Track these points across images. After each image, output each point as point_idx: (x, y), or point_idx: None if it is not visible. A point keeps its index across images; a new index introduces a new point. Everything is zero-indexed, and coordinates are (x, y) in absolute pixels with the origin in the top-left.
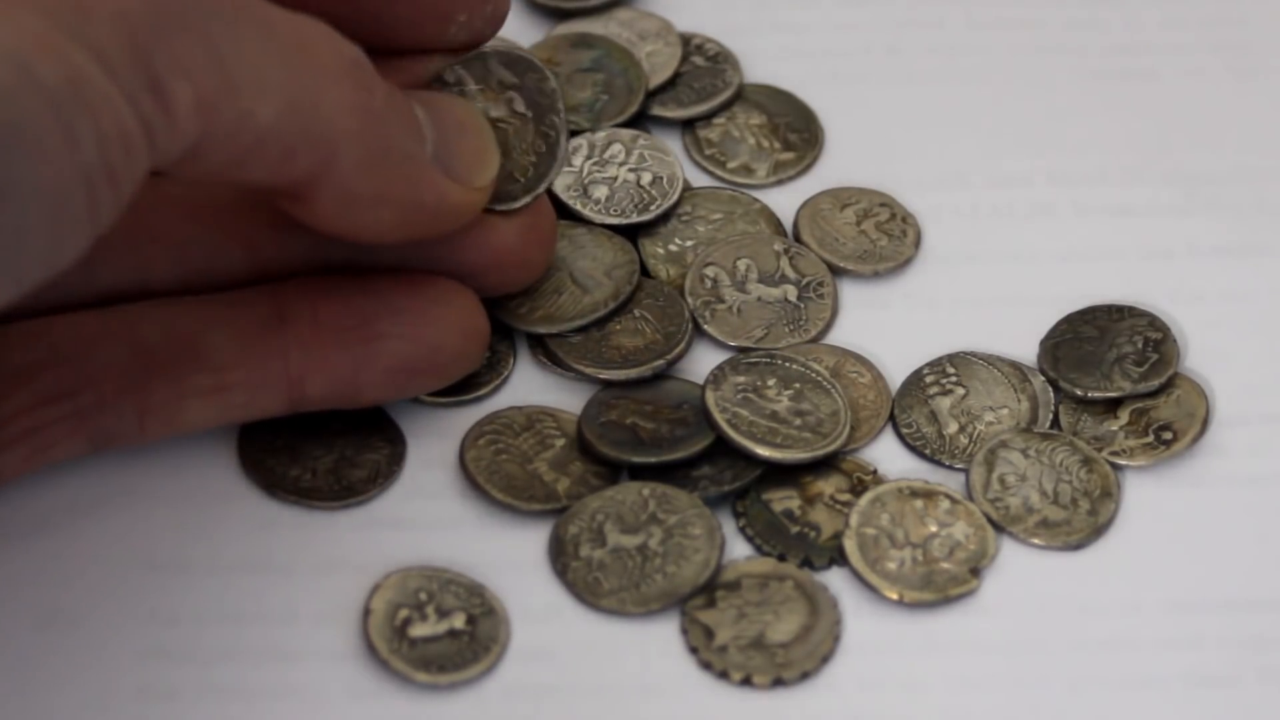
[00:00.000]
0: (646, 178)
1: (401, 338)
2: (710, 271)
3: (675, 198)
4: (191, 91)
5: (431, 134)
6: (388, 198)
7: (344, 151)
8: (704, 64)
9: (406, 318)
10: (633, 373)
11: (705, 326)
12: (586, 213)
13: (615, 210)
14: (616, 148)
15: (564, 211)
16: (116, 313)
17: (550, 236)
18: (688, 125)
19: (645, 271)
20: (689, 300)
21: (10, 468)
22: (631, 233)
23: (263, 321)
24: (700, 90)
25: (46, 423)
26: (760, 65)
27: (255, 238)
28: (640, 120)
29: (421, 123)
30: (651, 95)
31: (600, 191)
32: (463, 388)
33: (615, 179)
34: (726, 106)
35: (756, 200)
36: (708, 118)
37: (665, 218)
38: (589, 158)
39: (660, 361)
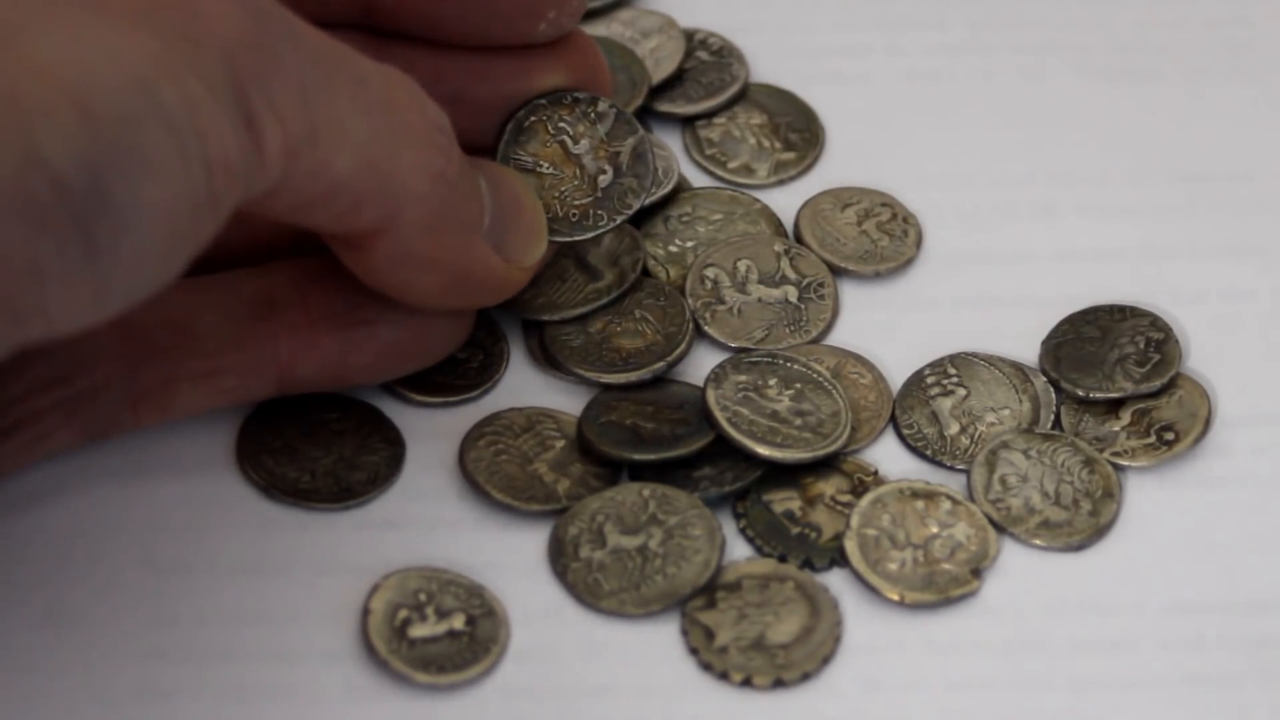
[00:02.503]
0: None
1: (389, 322)
2: (710, 273)
3: (669, 187)
4: (282, 134)
5: (490, 208)
6: (441, 265)
7: (410, 212)
8: (709, 59)
9: (393, 302)
10: (633, 375)
11: (706, 328)
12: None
13: None
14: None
15: None
16: None
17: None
18: (688, 123)
19: (645, 271)
20: (689, 302)
21: (9, 459)
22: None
23: (253, 307)
24: (708, 85)
25: (41, 411)
26: (761, 65)
27: (251, 230)
28: (643, 117)
29: (482, 191)
30: (657, 91)
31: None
32: (456, 388)
33: None
34: (735, 101)
35: (757, 200)
36: (715, 113)
37: (659, 209)
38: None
39: (660, 364)
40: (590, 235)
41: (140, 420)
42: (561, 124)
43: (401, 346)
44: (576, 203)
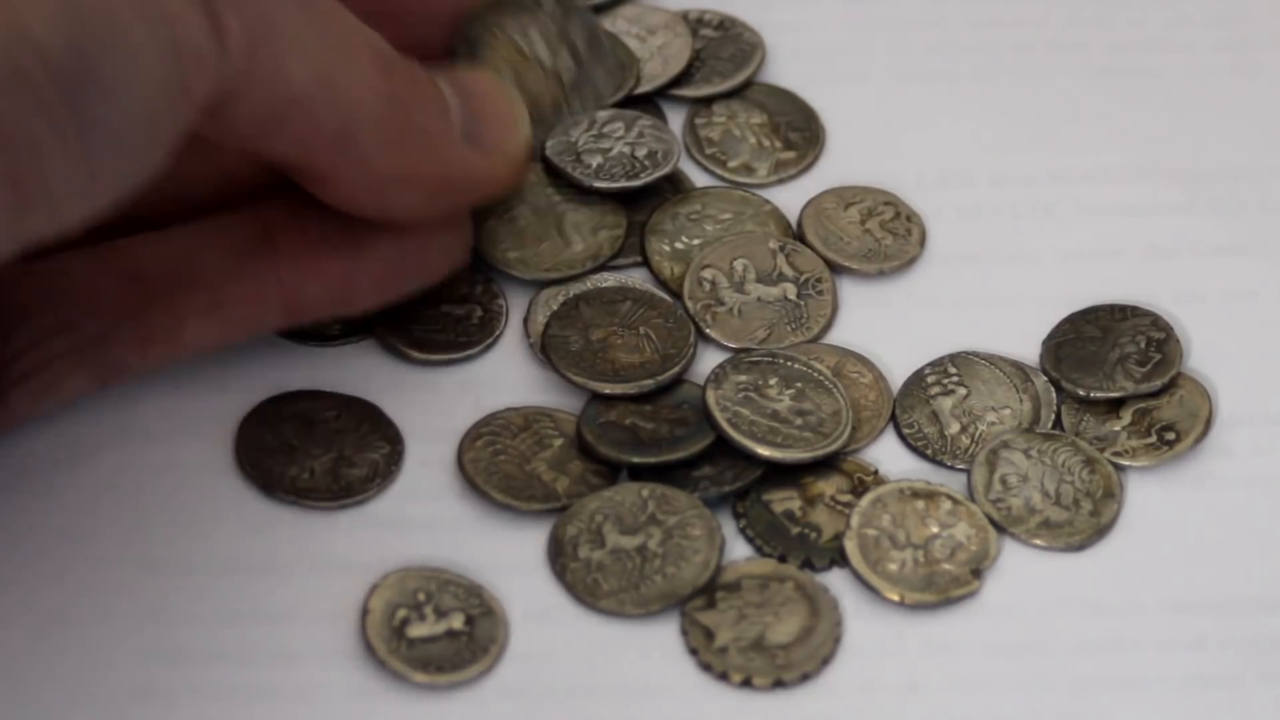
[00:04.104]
0: (642, 151)
1: (390, 241)
2: (708, 274)
3: (668, 169)
4: (239, 26)
5: (458, 108)
6: (413, 178)
7: (365, 131)
8: (715, 34)
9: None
10: (619, 388)
11: (707, 330)
12: (576, 176)
13: (605, 176)
14: (617, 124)
15: (554, 173)
16: (107, 247)
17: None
18: (691, 120)
19: (649, 268)
20: (689, 304)
21: (21, 408)
22: (624, 202)
23: (252, 239)
24: (732, 58)
25: (51, 358)
26: (761, 64)
27: (227, 165)
28: (652, 104)
29: (445, 96)
30: (674, 84)
31: (593, 159)
32: (457, 345)
33: (610, 150)
34: (758, 68)
35: (767, 201)
36: (747, 86)
37: (668, 205)
38: (588, 130)
39: (649, 381)
40: (573, 116)
41: (149, 361)
42: (507, 27)
43: (404, 264)
44: (548, 99)
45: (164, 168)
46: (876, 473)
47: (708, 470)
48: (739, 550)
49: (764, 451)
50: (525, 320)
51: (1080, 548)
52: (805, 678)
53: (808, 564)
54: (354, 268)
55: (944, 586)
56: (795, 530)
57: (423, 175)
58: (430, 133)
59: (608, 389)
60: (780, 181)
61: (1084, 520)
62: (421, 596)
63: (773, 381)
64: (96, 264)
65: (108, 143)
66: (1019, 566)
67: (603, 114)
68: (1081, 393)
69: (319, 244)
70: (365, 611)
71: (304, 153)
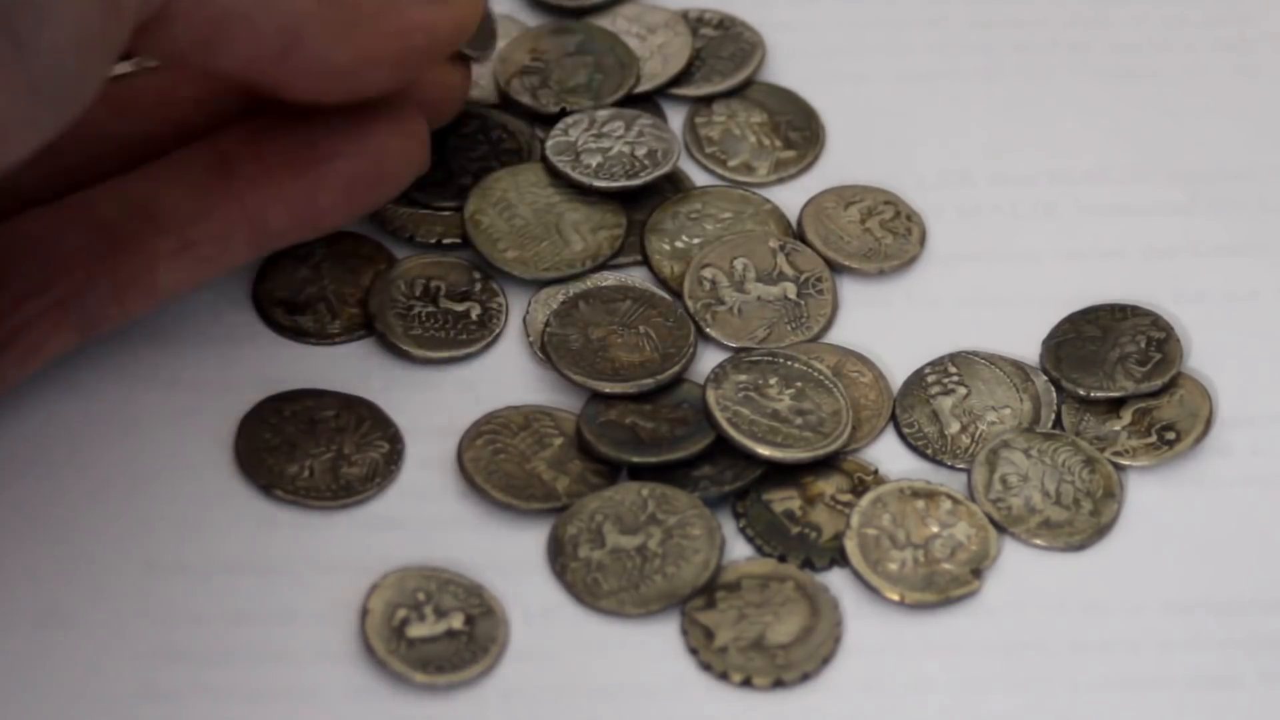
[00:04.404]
0: (642, 150)
1: (348, 155)
2: (708, 273)
3: (668, 168)
4: None
5: None
6: (373, 58)
7: (310, 31)
8: (715, 33)
9: (349, 133)
10: (619, 387)
11: (707, 329)
12: (576, 176)
13: (605, 175)
14: (616, 123)
15: (554, 173)
16: (69, 201)
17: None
18: (691, 119)
19: (649, 267)
20: (689, 303)
21: (9, 372)
22: (624, 202)
23: (210, 172)
24: (732, 57)
25: (31, 319)
26: (761, 63)
27: (178, 111)
28: (652, 103)
29: None
30: (674, 83)
31: (593, 159)
32: (459, 343)
33: (610, 149)
34: (759, 67)
35: (767, 200)
36: (747, 85)
37: (668, 204)
38: (588, 130)
39: (649, 380)
40: None
41: (128, 310)
42: None
43: (365, 175)
44: None
45: (101, 91)
46: (876, 472)
47: (708, 470)
48: (739, 550)
49: (764, 451)
50: (525, 319)
51: (1080, 548)
52: (805, 678)
53: (808, 564)
54: (316, 185)
55: (944, 586)
56: (795, 530)
57: (381, 53)
58: (379, 8)
59: (608, 388)
60: (780, 181)
61: (1084, 520)
62: (421, 596)
63: (773, 381)
64: (59, 220)
65: (45, 63)
66: (1019, 566)
67: (602, 113)
68: (1082, 392)
69: (278, 167)
70: (365, 611)
71: (253, 63)
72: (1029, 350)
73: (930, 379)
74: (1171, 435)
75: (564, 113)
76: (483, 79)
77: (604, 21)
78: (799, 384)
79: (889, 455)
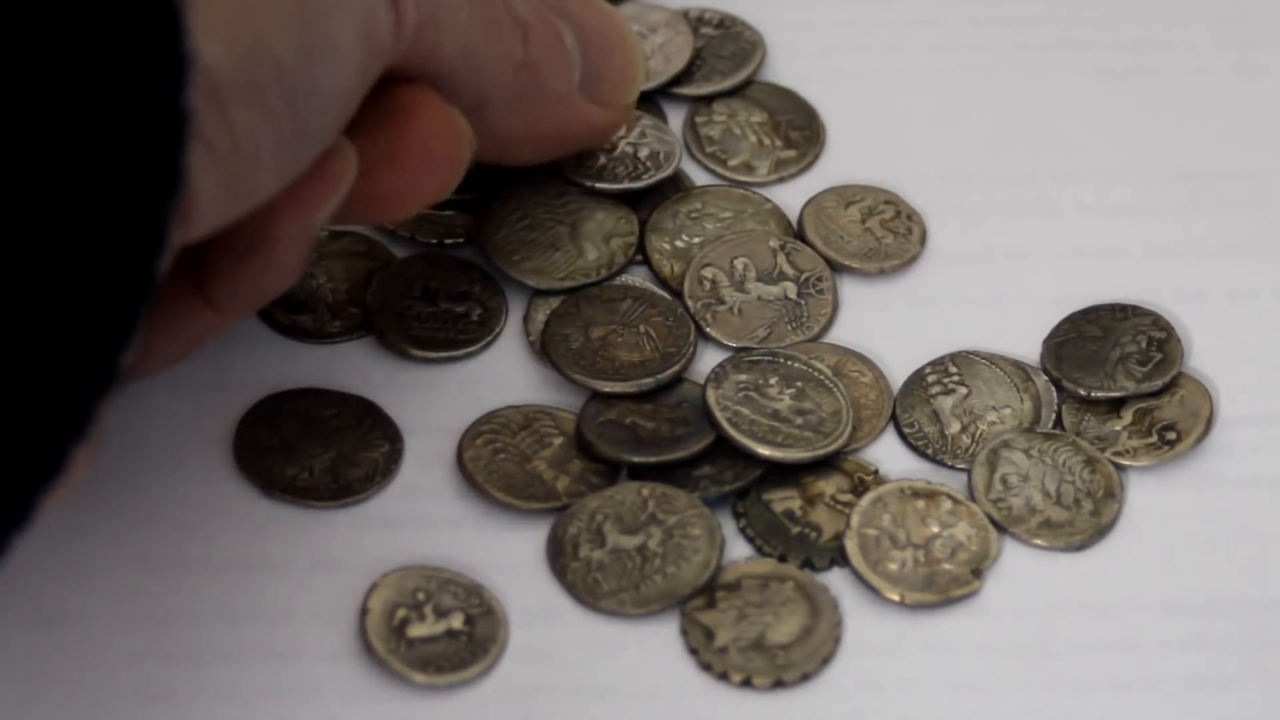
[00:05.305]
0: (644, 151)
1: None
2: (708, 273)
3: (670, 171)
4: (415, 13)
5: (579, 61)
6: (535, 136)
7: (496, 98)
8: (716, 32)
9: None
10: (619, 386)
11: (708, 329)
12: (577, 178)
13: (609, 177)
14: None
15: (557, 175)
16: None
17: None
18: (691, 118)
19: (649, 266)
20: (689, 303)
21: None
22: (624, 201)
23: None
24: (733, 56)
25: None
26: (762, 62)
27: None
28: (653, 102)
29: (570, 53)
30: (675, 82)
31: (596, 160)
32: (458, 343)
33: (613, 150)
34: (759, 67)
35: (768, 200)
36: (748, 84)
37: (668, 203)
38: None
39: (649, 380)
40: None
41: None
42: None
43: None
44: None
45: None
46: (877, 472)
47: (708, 469)
48: (739, 550)
49: (764, 451)
50: (525, 318)
51: (1081, 548)
52: (805, 678)
53: (808, 564)
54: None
55: (944, 586)
56: (795, 530)
57: (548, 134)
58: (556, 94)
59: (608, 387)
60: (781, 180)
61: (1085, 520)
62: (421, 596)
63: (773, 381)
64: None
65: (307, 141)
66: (1019, 566)
67: None
68: (1082, 392)
69: (224, 258)
70: (365, 611)
71: None
72: (1029, 350)
73: (931, 379)
74: (1172, 435)
75: None
76: None
77: None
78: (799, 384)
79: (889, 455)
